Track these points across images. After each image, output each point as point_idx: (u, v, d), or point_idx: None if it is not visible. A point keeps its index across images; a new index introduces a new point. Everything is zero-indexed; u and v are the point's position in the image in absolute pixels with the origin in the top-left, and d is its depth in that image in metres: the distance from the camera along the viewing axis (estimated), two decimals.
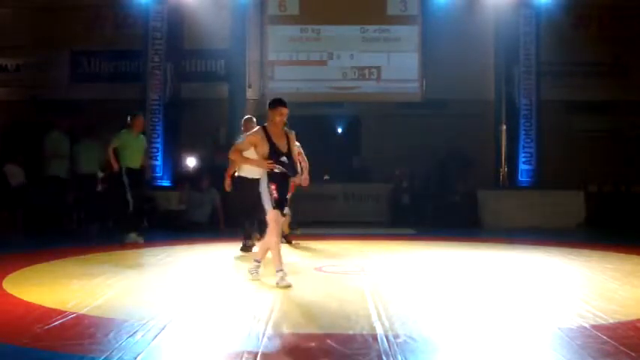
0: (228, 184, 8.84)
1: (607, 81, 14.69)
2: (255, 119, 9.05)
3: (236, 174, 8.63)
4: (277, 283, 6.04)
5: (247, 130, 8.66)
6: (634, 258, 8.14)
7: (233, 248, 9.17)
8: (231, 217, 10.56)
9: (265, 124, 6.28)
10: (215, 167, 12.47)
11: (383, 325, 4.61)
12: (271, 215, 6.17)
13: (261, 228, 8.56)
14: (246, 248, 8.68)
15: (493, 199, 13.08)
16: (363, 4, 14.86)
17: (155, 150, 13.42)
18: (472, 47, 14.37)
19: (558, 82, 14.37)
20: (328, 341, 4.17)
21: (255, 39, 14.95)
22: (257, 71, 15.00)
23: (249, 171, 8.37)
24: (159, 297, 5.72)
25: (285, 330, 4.50)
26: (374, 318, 4.82)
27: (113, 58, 14.95)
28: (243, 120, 9.11)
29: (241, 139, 8.61)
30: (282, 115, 6.22)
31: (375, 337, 4.28)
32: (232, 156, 6.60)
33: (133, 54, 14.56)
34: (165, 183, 13.51)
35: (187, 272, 7.20)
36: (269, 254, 6.37)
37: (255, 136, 6.26)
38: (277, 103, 6.27)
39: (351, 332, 4.44)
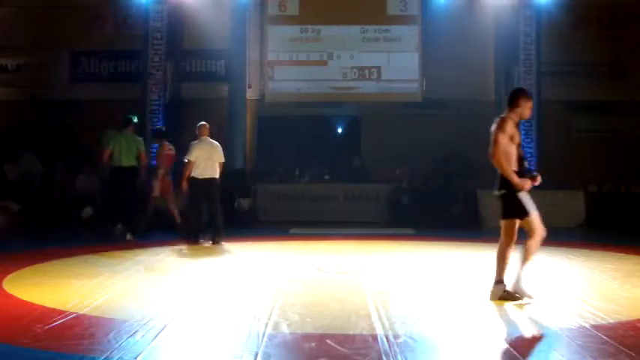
0: (185, 187, 9.42)
1: (607, 81, 14.68)
2: (208, 125, 9.71)
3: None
4: (497, 296, 5.45)
5: (202, 135, 9.51)
6: (634, 258, 8.13)
7: (233, 248, 9.19)
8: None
9: (509, 116, 5.65)
10: None
11: (383, 325, 4.61)
12: (535, 219, 5.63)
13: (215, 224, 9.37)
14: (196, 241, 9.30)
15: (493, 199, 13.01)
16: (363, 4, 14.85)
17: (155, 150, 13.40)
18: (472, 47, 14.36)
19: (558, 82, 14.36)
20: (328, 341, 4.17)
21: (255, 39, 14.95)
22: (257, 71, 15.00)
23: (201, 171, 9.24)
24: (159, 297, 5.72)
25: (285, 330, 4.50)
26: (374, 318, 4.83)
27: (113, 58, 14.94)
28: (198, 125, 9.64)
29: (194, 145, 9.38)
30: (530, 109, 5.67)
31: (375, 337, 4.29)
32: (501, 159, 5.67)
33: (133, 54, 14.56)
34: None
35: (187, 272, 7.20)
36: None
37: (513, 127, 5.60)
38: (528, 93, 5.68)
39: (351, 332, 4.44)
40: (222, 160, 9.53)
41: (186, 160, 9.38)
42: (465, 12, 13.97)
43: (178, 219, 10.35)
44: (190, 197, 9.59)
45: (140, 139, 10.28)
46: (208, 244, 9.34)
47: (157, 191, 10.46)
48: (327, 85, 14.81)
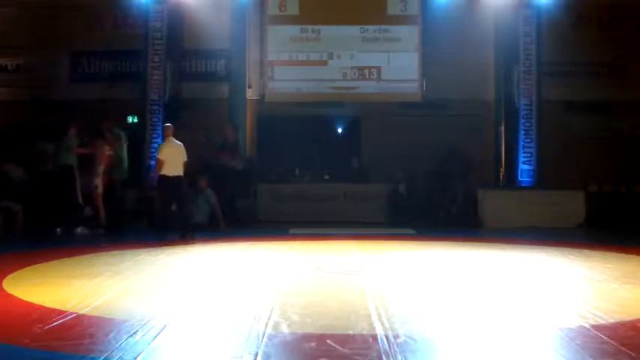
0: (155, 183, 10.25)
1: (607, 81, 14.69)
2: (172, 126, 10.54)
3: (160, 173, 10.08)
4: None
5: (168, 136, 10.27)
6: (634, 258, 8.14)
7: (233, 248, 9.19)
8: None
9: None
10: (217, 167, 12.46)
11: (383, 325, 4.61)
12: None
13: (183, 221, 10.08)
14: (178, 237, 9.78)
15: (493, 199, 13.07)
16: (363, 4, 14.85)
17: (155, 150, 13.42)
18: (472, 47, 14.37)
19: (558, 82, 14.36)
20: (328, 341, 4.17)
21: (255, 39, 14.95)
22: (257, 71, 15.01)
23: (170, 169, 9.98)
24: (159, 297, 5.72)
25: (285, 330, 4.49)
26: (374, 318, 4.82)
27: (113, 58, 14.95)
28: (164, 126, 10.60)
29: (163, 145, 10.16)
30: None
31: (375, 337, 4.28)
32: None
33: (133, 54, 14.56)
34: None
35: (187, 272, 7.20)
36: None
37: None
38: None
39: (351, 332, 4.44)
40: (186, 159, 10.27)
41: (158, 158, 10.17)
42: (465, 12, 13.97)
43: (102, 215, 11.01)
44: (161, 195, 10.34)
45: (71, 138, 10.93)
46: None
47: (100, 188, 11.00)
48: (327, 85, 14.81)
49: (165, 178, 10.00)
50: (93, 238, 10.49)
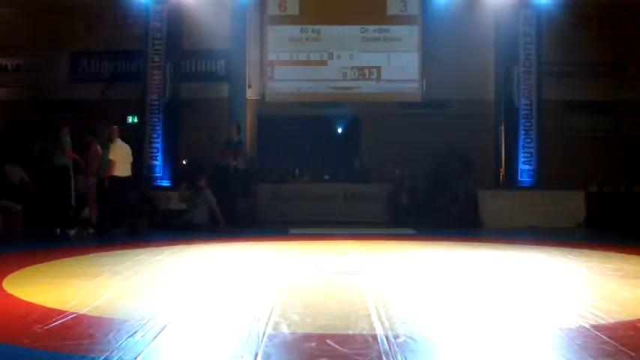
0: (107, 185, 10.55)
1: (607, 81, 14.70)
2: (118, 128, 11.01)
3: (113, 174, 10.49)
4: None
5: (114, 138, 10.67)
6: (634, 258, 8.13)
7: (233, 248, 9.19)
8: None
9: None
10: (220, 166, 12.45)
11: (383, 325, 4.61)
12: None
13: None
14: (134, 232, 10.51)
15: (493, 199, 13.08)
16: (363, 4, 14.87)
17: (155, 150, 13.43)
18: (472, 47, 14.38)
19: (558, 82, 14.38)
20: (328, 341, 4.17)
21: (255, 39, 14.97)
22: (257, 71, 15.02)
23: (123, 170, 10.53)
24: (159, 297, 5.71)
25: (285, 330, 4.49)
26: (374, 318, 4.82)
27: (113, 58, 14.96)
28: (111, 128, 10.89)
29: (113, 146, 10.56)
30: None
31: (375, 337, 4.28)
32: None
33: (133, 54, 14.57)
34: (165, 183, 13.51)
35: (187, 272, 7.20)
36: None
37: None
38: None
39: (351, 332, 4.44)
40: (132, 160, 10.90)
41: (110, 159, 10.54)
42: (465, 12, 13.99)
43: (94, 215, 11.08)
44: (117, 194, 10.67)
45: (65, 138, 10.88)
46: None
47: (94, 187, 11.10)
48: (327, 85, 14.82)
49: (117, 179, 10.43)
50: (85, 238, 10.46)
